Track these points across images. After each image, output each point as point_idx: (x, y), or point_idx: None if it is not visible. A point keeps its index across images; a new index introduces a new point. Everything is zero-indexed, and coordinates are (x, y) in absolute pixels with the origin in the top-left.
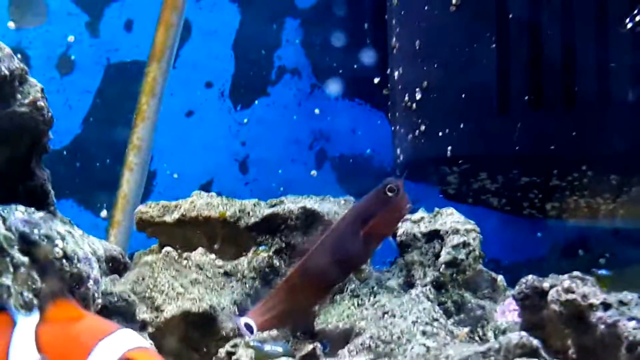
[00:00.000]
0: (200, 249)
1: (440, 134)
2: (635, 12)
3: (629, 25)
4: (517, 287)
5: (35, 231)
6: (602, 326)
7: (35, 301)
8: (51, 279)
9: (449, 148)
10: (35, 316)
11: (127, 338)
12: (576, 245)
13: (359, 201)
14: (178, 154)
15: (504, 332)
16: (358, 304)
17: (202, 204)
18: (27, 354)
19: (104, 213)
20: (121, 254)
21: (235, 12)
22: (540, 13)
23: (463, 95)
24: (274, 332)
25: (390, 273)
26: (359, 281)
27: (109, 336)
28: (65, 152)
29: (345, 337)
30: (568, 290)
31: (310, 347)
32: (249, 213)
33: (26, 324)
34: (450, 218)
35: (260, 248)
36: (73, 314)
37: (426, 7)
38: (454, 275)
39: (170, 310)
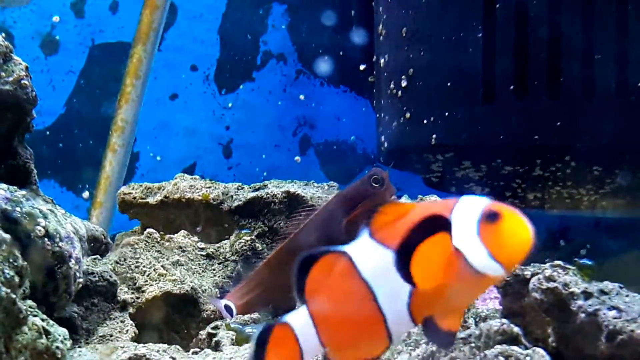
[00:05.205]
0: (182, 231)
1: (424, 121)
2: None
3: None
4: None
5: (18, 209)
6: (583, 315)
7: None
8: None
9: (434, 136)
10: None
11: (478, 198)
12: (557, 235)
13: (344, 189)
14: (161, 137)
15: (484, 319)
16: None
17: (186, 186)
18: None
19: (86, 194)
20: (103, 234)
21: None
22: (527, 2)
23: (448, 84)
24: (255, 315)
25: None
26: None
27: (460, 199)
28: (48, 133)
29: None
30: (549, 279)
31: None
32: (232, 196)
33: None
34: None
35: (243, 231)
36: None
37: None
38: None
39: (152, 291)
